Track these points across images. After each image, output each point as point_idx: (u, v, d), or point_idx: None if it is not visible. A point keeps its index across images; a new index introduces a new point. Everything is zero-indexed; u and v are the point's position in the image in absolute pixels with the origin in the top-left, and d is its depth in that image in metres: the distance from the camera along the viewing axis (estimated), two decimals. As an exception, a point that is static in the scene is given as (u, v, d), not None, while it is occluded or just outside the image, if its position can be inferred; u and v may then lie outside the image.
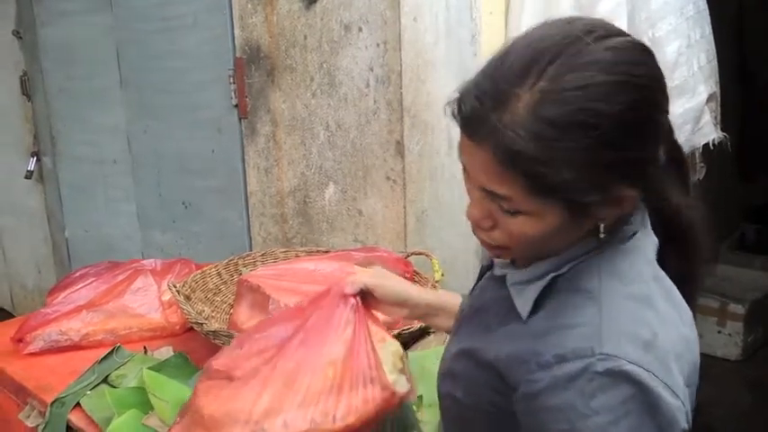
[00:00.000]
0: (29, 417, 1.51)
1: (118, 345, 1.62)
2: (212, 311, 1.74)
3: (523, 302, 0.78)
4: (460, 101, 0.73)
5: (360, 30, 1.93)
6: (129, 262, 1.92)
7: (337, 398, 0.92)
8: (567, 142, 0.67)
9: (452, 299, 1.10)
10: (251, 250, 2.26)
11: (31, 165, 3.08)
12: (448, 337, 1.00)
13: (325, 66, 2.03)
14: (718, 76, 1.66)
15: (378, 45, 1.90)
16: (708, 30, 1.62)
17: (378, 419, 0.95)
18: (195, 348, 1.58)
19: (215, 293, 1.80)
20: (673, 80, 1.57)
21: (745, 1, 3.57)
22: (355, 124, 2.00)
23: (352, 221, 2.09)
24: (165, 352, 1.62)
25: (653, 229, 0.81)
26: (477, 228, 0.79)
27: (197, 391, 1.03)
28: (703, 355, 0.80)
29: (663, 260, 0.80)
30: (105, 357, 1.56)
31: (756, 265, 3.44)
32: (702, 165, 1.66)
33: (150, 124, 2.63)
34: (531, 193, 0.70)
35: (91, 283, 1.81)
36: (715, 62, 1.64)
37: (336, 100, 2.03)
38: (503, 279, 0.83)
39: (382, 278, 1.03)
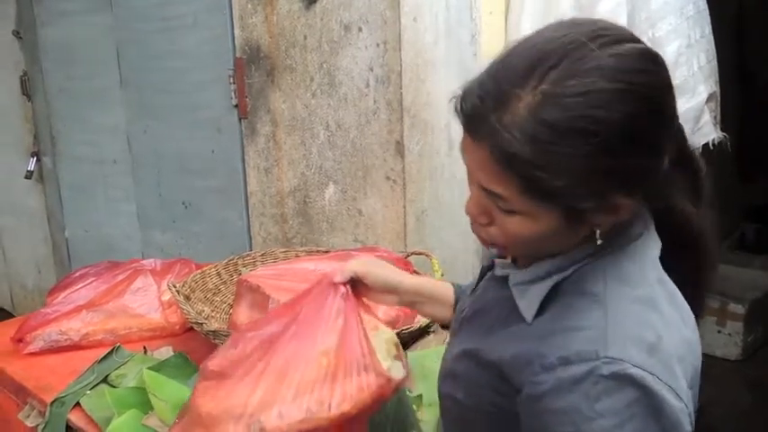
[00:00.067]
0: (28, 416, 1.51)
1: (118, 345, 1.62)
2: (212, 311, 1.74)
3: (527, 304, 0.78)
4: (463, 98, 0.73)
5: (360, 30, 1.93)
6: (129, 262, 1.91)
7: (332, 386, 0.92)
8: (565, 148, 0.67)
9: (442, 287, 1.10)
10: (251, 250, 2.26)
11: (31, 165, 3.09)
12: (448, 336, 1.00)
13: (325, 66, 2.03)
14: (717, 75, 1.66)
15: (378, 45, 1.90)
16: (708, 30, 1.62)
17: (374, 406, 0.95)
18: (195, 348, 1.58)
19: (215, 293, 1.80)
20: (673, 80, 1.57)
21: (745, 1, 3.57)
22: (355, 124, 2.00)
23: (352, 221, 2.09)
24: (165, 352, 1.62)
25: (660, 234, 0.80)
26: (474, 223, 0.80)
27: (194, 391, 1.03)
28: (703, 355, 0.80)
29: (668, 265, 0.80)
30: (105, 357, 1.56)
31: (756, 264, 3.44)
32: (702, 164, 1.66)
33: (150, 124, 2.63)
34: (527, 195, 0.70)
35: (91, 283, 1.81)
36: (715, 62, 1.64)
37: (336, 100, 2.03)
38: (504, 279, 0.83)
39: (372, 265, 1.03)
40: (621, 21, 1.52)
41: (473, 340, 0.84)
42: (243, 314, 1.59)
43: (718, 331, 3.12)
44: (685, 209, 0.81)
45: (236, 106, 2.30)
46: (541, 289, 0.77)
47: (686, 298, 0.80)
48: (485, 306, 0.88)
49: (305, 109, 2.12)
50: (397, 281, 1.04)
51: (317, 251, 1.93)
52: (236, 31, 2.23)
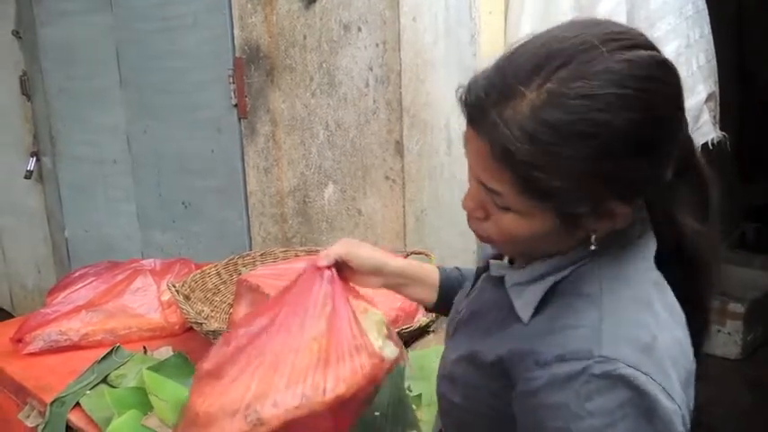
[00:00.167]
0: (28, 416, 1.51)
1: (117, 345, 1.62)
2: (211, 311, 1.74)
3: (523, 305, 0.78)
4: (468, 89, 0.72)
5: (359, 29, 1.93)
6: (129, 262, 1.92)
7: (325, 371, 0.91)
8: (565, 150, 0.66)
9: (427, 269, 1.09)
10: (250, 250, 2.26)
11: (31, 165, 3.08)
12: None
13: (324, 65, 2.03)
14: (717, 75, 1.67)
15: (377, 45, 1.90)
16: (707, 29, 1.62)
17: (368, 388, 0.95)
18: (194, 348, 1.58)
19: (214, 293, 1.80)
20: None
21: (745, 1, 3.57)
22: (355, 124, 2.00)
23: (352, 221, 2.09)
24: (165, 352, 1.62)
25: (660, 249, 0.79)
26: (470, 218, 0.80)
27: (191, 392, 1.03)
28: (703, 354, 0.80)
29: (665, 272, 0.79)
30: (105, 357, 1.57)
31: (756, 264, 3.43)
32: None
33: (150, 124, 2.63)
34: (523, 194, 0.70)
35: (90, 283, 1.81)
36: (714, 62, 1.64)
37: (336, 100, 2.03)
38: (500, 280, 0.83)
39: (356, 247, 1.02)
40: (620, 20, 1.51)
41: (471, 343, 0.84)
42: (242, 314, 1.59)
43: (718, 330, 3.12)
44: (688, 224, 0.79)
45: (236, 106, 2.30)
46: (538, 290, 0.77)
47: (687, 317, 0.78)
48: (481, 308, 0.87)
49: (304, 109, 2.12)
50: (383, 262, 1.03)
51: (317, 251, 1.93)
52: (236, 31, 2.23)
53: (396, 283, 1.05)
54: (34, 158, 3.09)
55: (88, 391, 1.46)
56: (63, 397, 1.45)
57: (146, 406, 1.38)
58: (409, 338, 1.52)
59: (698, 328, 0.81)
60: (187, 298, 1.64)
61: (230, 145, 2.36)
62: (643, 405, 0.67)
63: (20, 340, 1.67)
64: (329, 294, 0.95)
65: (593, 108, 0.66)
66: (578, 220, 0.72)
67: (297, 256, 1.89)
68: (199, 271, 1.79)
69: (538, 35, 0.72)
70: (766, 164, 3.64)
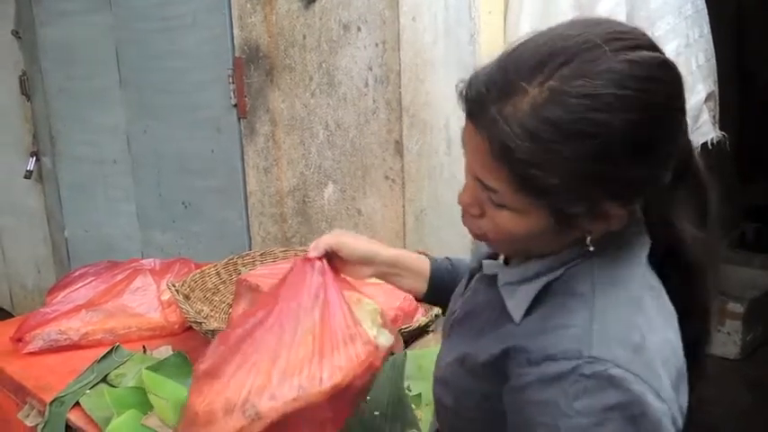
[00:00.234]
0: (28, 416, 1.51)
1: (117, 344, 1.62)
2: (211, 311, 1.74)
3: (515, 304, 0.78)
4: (469, 84, 0.72)
5: (359, 29, 1.93)
6: (129, 261, 1.92)
7: (320, 361, 0.92)
8: (564, 148, 0.66)
9: (418, 259, 1.09)
10: (250, 250, 2.27)
11: (31, 165, 3.09)
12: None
13: (324, 65, 2.03)
14: (716, 75, 1.67)
15: (377, 45, 1.90)
16: (706, 29, 1.62)
17: (365, 376, 0.95)
18: (194, 348, 1.58)
19: (214, 293, 1.80)
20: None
21: (744, 1, 3.57)
22: (354, 124, 2.00)
23: (352, 221, 2.09)
24: (165, 351, 1.62)
25: (655, 253, 0.78)
26: (465, 214, 0.80)
27: (190, 393, 1.03)
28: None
29: (662, 277, 0.78)
30: (104, 357, 1.57)
31: (756, 263, 3.43)
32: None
33: (150, 124, 2.63)
34: (519, 191, 0.70)
35: (90, 282, 1.81)
36: (713, 61, 1.65)
37: (335, 99, 2.03)
38: (494, 279, 0.83)
39: (346, 237, 1.02)
40: (620, 20, 1.52)
41: (464, 344, 0.84)
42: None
43: (717, 330, 3.11)
44: (685, 228, 0.78)
45: (236, 106, 2.30)
46: (530, 290, 0.77)
47: (682, 328, 0.77)
48: (475, 308, 0.87)
49: (304, 108, 2.12)
50: (374, 252, 1.03)
51: (317, 251, 1.93)
52: (236, 31, 2.23)
53: (386, 272, 1.05)
54: (34, 158, 3.09)
55: (88, 391, 1.46)
56: (62, 396, 1.45)
57: (145, 405, 1.38)
58: (409, 338, 1.52)
59: (697, 333, 0.80)
60: (187, 297, 1.64)
61: (230, 145, 2.36)
62: (631, 407, 0.67)
63: (19, 340, 1.67)
64: (321, 285, 0.96)
65: (592, 108, 0.65)
66: (573, 219, 0.72)
67: (297, 255, 1.89)
68: (198, 271, 1.79)
69: (540, 33, 0.71)
70: (766, 164, 3.64)
